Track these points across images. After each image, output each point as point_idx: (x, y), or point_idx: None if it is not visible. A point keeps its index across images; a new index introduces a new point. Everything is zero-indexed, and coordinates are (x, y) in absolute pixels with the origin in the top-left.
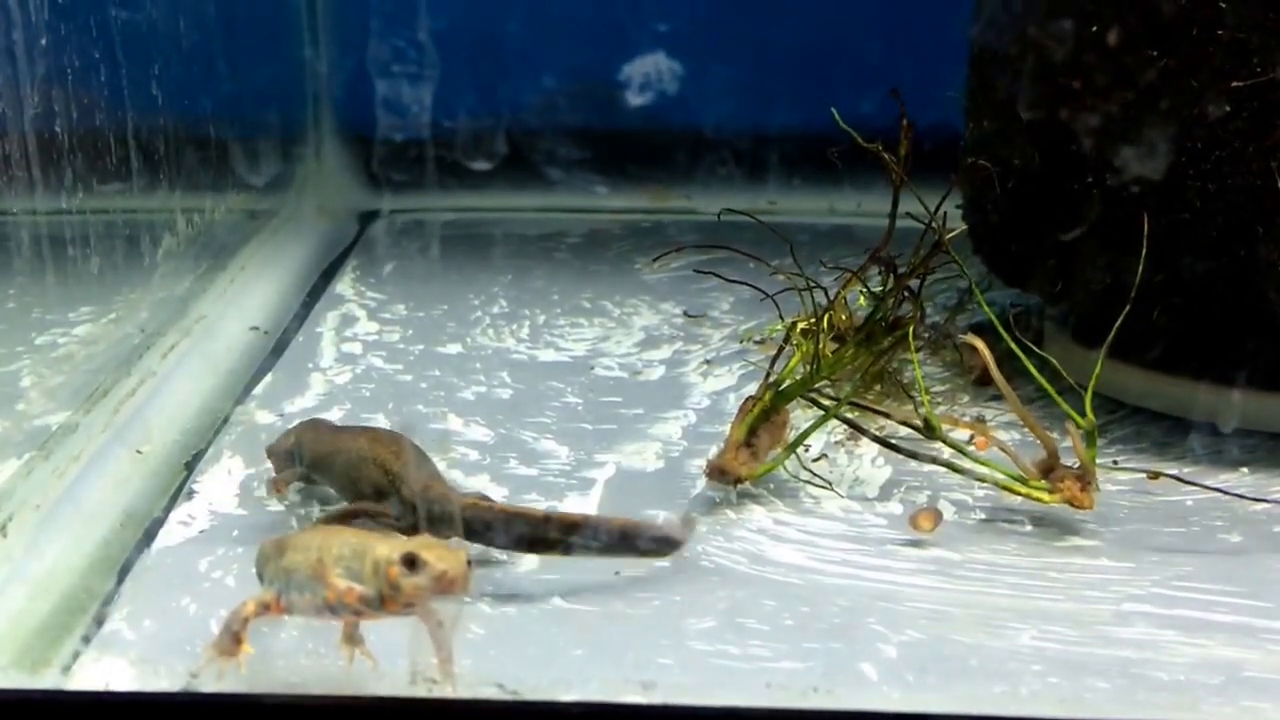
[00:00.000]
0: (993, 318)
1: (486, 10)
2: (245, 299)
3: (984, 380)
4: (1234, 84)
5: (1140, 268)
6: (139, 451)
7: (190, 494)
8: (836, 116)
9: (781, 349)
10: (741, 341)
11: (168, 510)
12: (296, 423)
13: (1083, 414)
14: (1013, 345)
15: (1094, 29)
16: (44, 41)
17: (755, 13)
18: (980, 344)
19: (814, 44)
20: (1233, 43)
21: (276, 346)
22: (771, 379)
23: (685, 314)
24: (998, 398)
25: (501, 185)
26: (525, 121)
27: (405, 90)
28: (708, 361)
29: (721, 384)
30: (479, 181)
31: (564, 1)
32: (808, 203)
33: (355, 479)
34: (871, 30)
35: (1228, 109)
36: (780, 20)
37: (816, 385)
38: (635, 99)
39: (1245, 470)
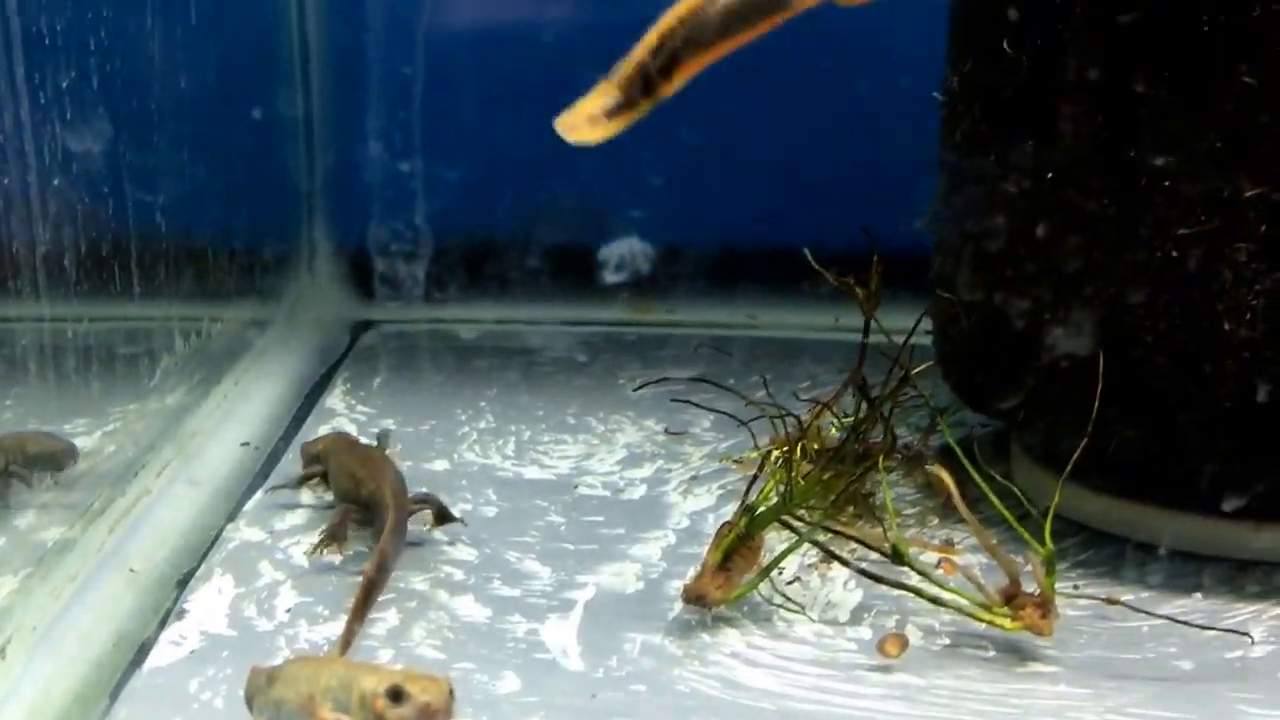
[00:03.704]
0: (956, 449)
1: (474, 123)
2: (237, 413)
3: (953, 504)
4: (1180, 231)
5: (1096, 403)
6: (132, 570)
7: (181, 613)
8: (809, 256)
9: (758, 474)
10: (721, 461)
11: (159, 630)
12: (331, 431)
13: (1043, 540)
14: (975, 475)
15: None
16: (56, 182)
17: (745, 134)
18: (946, 475)
19: (802, 164)
20: (1178, 194)
21: (267, 463)
22: (747, 503)
23: (667, 431)
24: None
25: (486, 299)
26: (510, 237)
27: (395, 203)
28: (694, 478)
29: (701, 504)
30: (466, 296)
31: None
32: (787, 317)
33: (337, 485)
34: (861, 153)
35: (1175, 254)
36: (769, 141)
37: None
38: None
39: (1199, 595)
